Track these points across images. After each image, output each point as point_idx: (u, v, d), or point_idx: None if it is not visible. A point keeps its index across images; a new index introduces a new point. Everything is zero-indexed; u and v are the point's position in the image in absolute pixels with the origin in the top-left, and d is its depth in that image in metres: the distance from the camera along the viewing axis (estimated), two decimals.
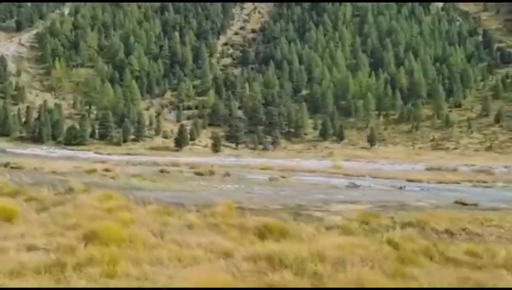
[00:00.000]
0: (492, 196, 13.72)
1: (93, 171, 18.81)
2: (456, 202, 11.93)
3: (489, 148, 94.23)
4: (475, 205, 11.64)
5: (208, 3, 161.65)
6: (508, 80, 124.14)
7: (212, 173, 20.45)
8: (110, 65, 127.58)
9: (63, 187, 11.45)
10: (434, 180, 22.04)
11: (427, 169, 33.93)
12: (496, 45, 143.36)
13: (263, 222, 6.57)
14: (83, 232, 5.56)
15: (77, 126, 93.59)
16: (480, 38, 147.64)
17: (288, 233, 6.44)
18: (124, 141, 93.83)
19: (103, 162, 29.07)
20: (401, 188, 15.77)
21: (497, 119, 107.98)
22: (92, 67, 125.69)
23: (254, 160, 50.09)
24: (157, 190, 12.85)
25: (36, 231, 5.82)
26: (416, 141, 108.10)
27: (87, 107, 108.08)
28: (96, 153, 63.86)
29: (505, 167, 41.74)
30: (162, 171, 20.70)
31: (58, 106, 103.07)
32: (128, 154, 59.88)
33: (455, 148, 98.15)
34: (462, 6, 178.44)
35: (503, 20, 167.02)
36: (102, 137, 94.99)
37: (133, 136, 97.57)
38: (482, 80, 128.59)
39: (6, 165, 22.17)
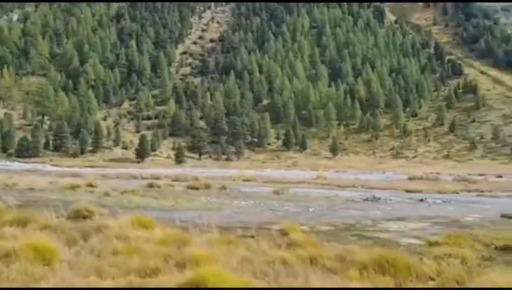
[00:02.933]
0: None
1: (77, 187, 16.74)
2: (504, 216, 11.08)
3: (447, 157, 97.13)
4: None
5: (166, 11, 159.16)
6: (460, 91, 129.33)
7: (207, 186, 18.85)
8: (63, 74, 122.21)
9: (65, 209, 9.60)
10: (433, 191, 21.46)
11: (409, 178, 33.69)
12: (447, 57, 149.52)
13: (378, 254, 5.23)
14: (179, 281, 4.02)
15: (29, 137, 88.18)
16: (432, 50, 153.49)
17: (414, 269, 5.14)
18: (81, 153, 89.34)
19: (75, 175, 26.67)
20: (422, 200, 14.85)
21: (452, 129, 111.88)
22: (44, 75, 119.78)
23: (227, 171, 48.51)
24: (171, 210, 11.21)
25: (102, 281, 4.20)
26: (376, 150, 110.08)
27: (40, 117, 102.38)
28: (53, 165, 59.97)
29: (480, 174, 42.57)
30: (151, 185, 18.86)
31: (8, 116, 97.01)
32: (92, 166, 56.54)
33: (414, 157, 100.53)
34: (414, 20, 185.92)
35: (452, 34, 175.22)
36: (57, 148, 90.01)
37: (90, 148, 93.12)
38: (435, 91, 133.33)
39: None
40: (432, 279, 5.07)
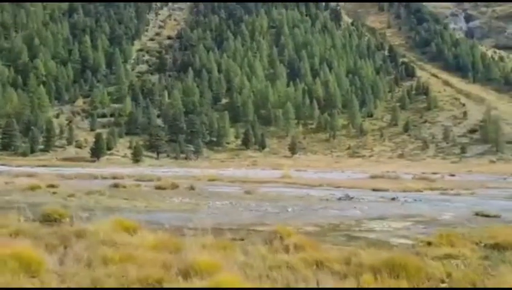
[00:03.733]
0: (492, 205, 13.35)
1: (37, 188, 15.72)
2: (477, 214, 11.28)
3: (401, 156, 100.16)
4: (497, 216, 11.07)
5: (122, 7, 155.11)
6: (413, 92, 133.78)
7: (175, 186, 18.27)
8: (12, 69, 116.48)
9: (32, 212, 8.87)
10: (398, 189, 21.83)
11: (371, 177, 34.27)
12: (401, 60, 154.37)
13: (389, 256, 5.03)
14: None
15: None
16: (386, 53, 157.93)
17: (424, 271, 4.98)
18: (32, 152, 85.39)
19: (30, 175, 25.24)
20: (394, 199, 15.00)
21: (406, 129, 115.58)
22: None
23: (188, 170, 47.70)
24: (145, 211, 10.66)
25: None
26: (333, 149, 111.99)
27: None
28: (1, 165, 56.83)
29: (434, 173, 44.03)
30: (116, 185, 18.04)
31: None
32: (44, 166, 54.04)
33: (371, 156, 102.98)
34: (369, 22, 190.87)
35: (405, 37, 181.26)
36: (6, 147, 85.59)
37: (41, 146, 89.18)
38: (389, 92, 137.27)
39: None
40: (443, 281, 4.94)
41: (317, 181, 28.18)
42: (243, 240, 6.98)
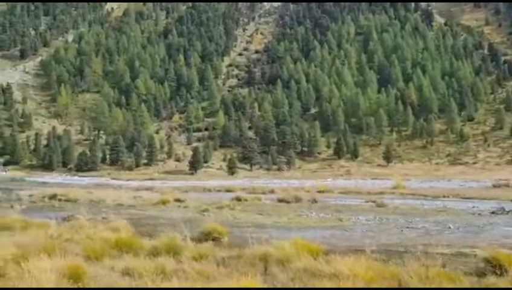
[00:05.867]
0: None
1: (167, 202, 16.10)
2: None
3: (510, 162, 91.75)
4: None
5: (211, 25, 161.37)
6: None
7: (298, 199, 17.81)
8: (116, 90, 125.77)
9: (188, 229, 8.71)
10: None
11: (494, 186, 31.30)
12: (503, 58, 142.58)
13: None
14: None
15: (87, 152, 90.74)
16: (485, 51, 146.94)
17: None
18: (137, 166, 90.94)
19: (149, 189, 26.35)
20: None
21: None
22: (98, 92, 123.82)
23: (288, 182, 47.34)
24: (295, 229, 10.17)
25: None
26: (432, 156, 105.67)
27: (96, 132, 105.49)
28: (113, 179, 60.94)
29: None
30: (238, 199, 18.02)
31: (67, 132, 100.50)
32: (151, 179, 56.98)
33: (475, 163, 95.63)
34: (464, 21, 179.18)
35: (506, 34, 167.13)
36: (114, 162, 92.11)
37: (145, 161, 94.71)
38: (491, 93, 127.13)
39: (53, 197, 19.42)
40: None
41: (434, 192, 26.20)
42: (444, 267, 6.08)
